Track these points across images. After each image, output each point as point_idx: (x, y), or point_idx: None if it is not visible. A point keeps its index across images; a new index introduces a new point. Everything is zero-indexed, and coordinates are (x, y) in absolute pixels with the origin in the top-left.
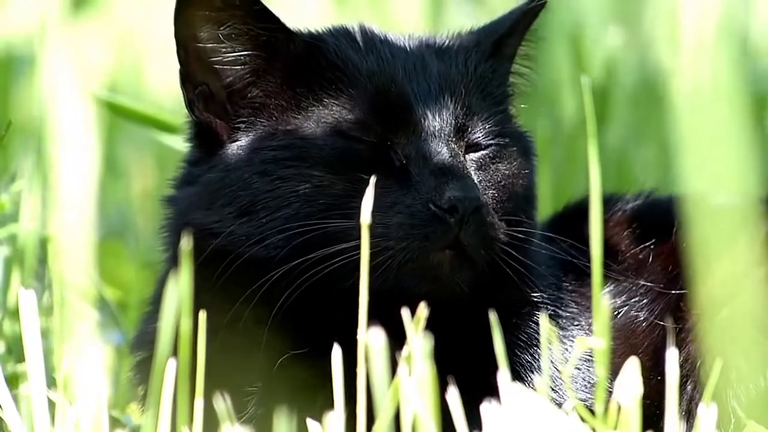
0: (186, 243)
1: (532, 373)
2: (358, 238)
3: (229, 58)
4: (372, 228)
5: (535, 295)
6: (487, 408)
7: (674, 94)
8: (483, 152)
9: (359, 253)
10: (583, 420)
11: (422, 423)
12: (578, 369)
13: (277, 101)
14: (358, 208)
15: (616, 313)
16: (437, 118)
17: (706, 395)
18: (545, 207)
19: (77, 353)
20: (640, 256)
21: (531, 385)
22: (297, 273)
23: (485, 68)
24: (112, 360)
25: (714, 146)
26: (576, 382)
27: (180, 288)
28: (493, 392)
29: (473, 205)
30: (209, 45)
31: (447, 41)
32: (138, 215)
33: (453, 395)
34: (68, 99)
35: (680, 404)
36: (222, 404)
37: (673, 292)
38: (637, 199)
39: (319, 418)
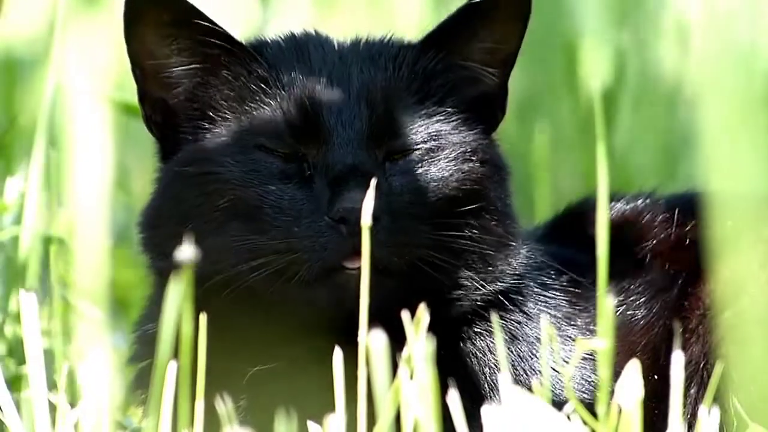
0: (187, 248)
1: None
2: (272, 252)
3: (179, 73)
4: (279, 240)
5: (486, 298)
6: (487, 410)
7: (696, 93)
8: (408, 157)
9: (272, 267)
10: (584, 423)
11: (423, 426)
12: (560, 368)
13: (214, 113)
14: (270, 221)
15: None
16: (348, 128)
17: (708, 397)
18: (544, 210)
19: (80, 356)
20: (639, 255)
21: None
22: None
23: (422, 68)
24: (114, 363)
25: (733, 143)
26: (573, 383)
27: (180, 292)
28: (493, 395)
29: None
30: (161, 61)
31: (389, 43)
32: None
33: (454, 398)
34: (82, 101)
35: (684, 407)
36: (223, 406)
37: (674, 290)
38: (636, 199)
39: (319, 421)
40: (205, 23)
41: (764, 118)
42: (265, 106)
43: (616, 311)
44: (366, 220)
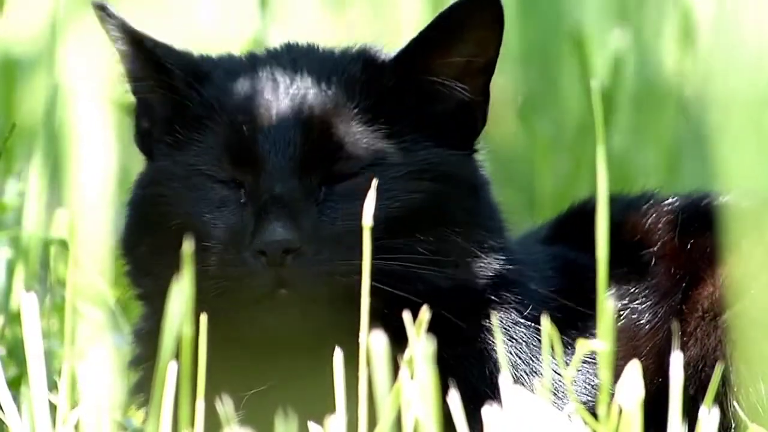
0: (187, 246)
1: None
2: (207, 277)
3: (144, 94)
4: (211, 266)
5: (471, 304)
6: (488, 411)
7: (711, 98)
8: (349, 181)
9: (211, 292)
10: (585, 423)
11: (423, 426)
12: (561, 371)
13: (172, 137)
14: (206, 247)
15: (617, 315)
16: (280, 155)
17: (708, 398)
18: (547, 210)
19: (80, 356)
20: (643, 258)
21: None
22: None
23: (379, 87)
24: (114, 363)
25: (741, 144)
26: (574, 386)
27: (182, 292)
28: (494, 395)
29: (282, 247)
30: (134, 82)
31: (352, 59)
32: None
33: (454, 399)
34: (84, 101)
35: (683, 408)
36: (223, 407)
37: (678, 295)
38: (638, 200)
39: (320, 422)
40: (155, 45)
41: None
42: (209, 132)
43: (621, 315)
44: (367, 221)
